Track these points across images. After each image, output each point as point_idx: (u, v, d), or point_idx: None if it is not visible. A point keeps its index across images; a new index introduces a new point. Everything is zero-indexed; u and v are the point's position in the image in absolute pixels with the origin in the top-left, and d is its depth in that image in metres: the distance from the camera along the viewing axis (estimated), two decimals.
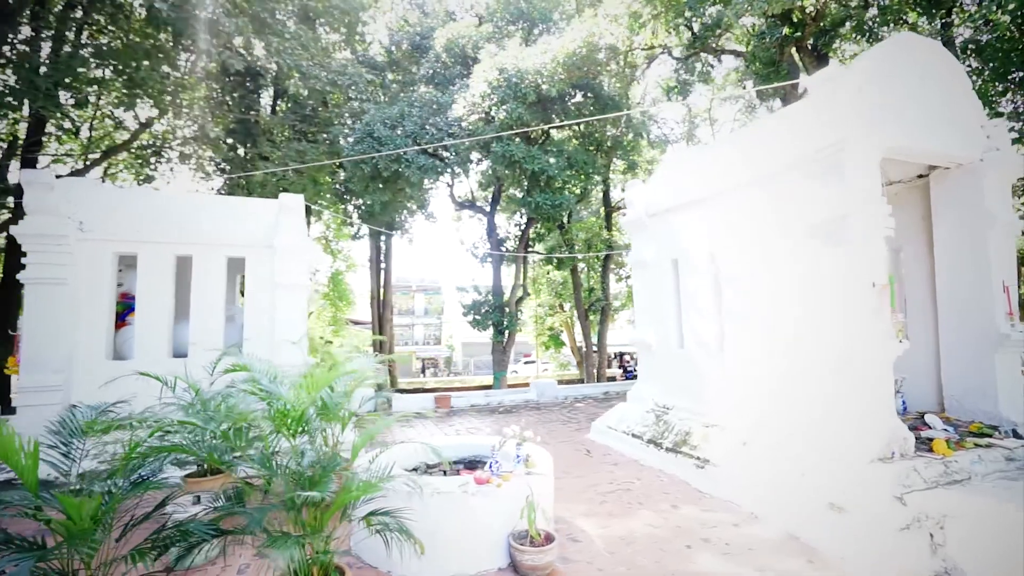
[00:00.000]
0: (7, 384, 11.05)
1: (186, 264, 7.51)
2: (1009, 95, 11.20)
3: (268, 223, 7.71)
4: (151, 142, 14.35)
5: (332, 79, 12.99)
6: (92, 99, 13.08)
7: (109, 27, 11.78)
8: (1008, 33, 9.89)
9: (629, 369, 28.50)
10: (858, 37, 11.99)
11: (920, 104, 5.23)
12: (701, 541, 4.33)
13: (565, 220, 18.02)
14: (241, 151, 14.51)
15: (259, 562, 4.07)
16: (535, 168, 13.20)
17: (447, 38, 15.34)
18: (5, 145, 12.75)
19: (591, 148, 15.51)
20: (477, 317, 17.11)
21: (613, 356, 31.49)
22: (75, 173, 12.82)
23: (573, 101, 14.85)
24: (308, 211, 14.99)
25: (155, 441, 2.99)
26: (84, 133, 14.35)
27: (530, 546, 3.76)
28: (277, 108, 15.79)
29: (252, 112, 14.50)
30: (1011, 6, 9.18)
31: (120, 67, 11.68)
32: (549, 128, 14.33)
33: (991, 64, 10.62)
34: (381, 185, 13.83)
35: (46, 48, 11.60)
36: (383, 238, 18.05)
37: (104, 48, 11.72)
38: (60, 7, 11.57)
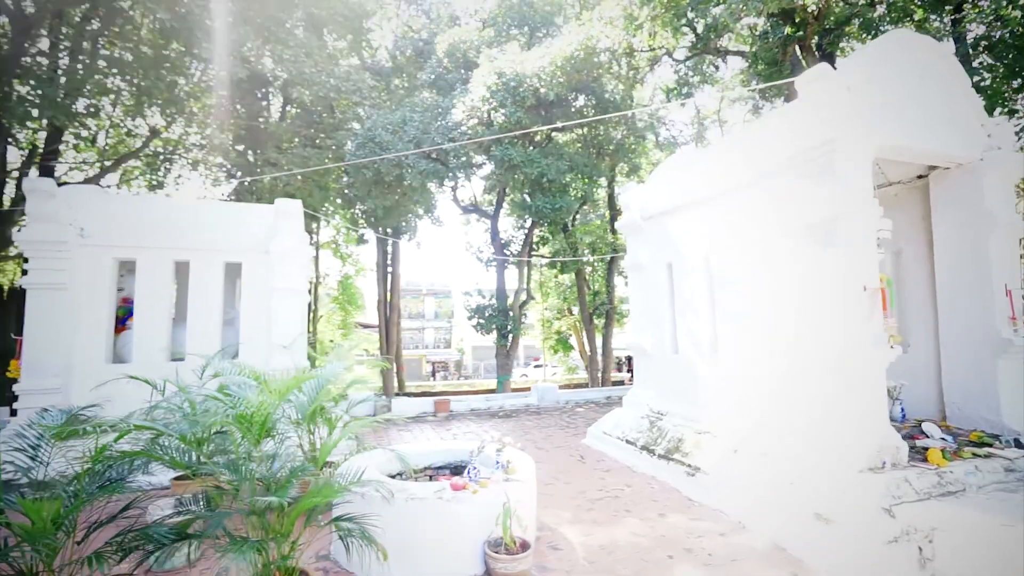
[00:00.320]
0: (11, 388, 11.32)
1: (185, 269, 7.64)
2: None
3: (266, 228, 7.81)
4: (163, 149, 14.68)
5: (337, 86, 13.14)
6: (106, 109, 13.47)
7: (120, 39, 12.10)
8: (1020, 29, 9.58)
9: None
10: (864, 35, 11.74)
11: (917, 102, 5.08)
12: (684, 551, 4.23)
13: (568, 223, 17.94)
14: (251, 157, 14.76)
15: (240, 565, 4.10)
16: (535, 171, 13.18)
17: (449, 43, 15.43)
18: (25, 154, 13.17)
19: (593, 151, 15.43)
20: (481, 321, 17.11)
21: (623, 360, 31.17)
22: (89, 180, 13.17)
23: (575, 104, 14.80)
24: (316, 216, 15.19)
25: (125, 445, 3.04)
26: (100, 142, 14.76)
27: (504, 554, 3.71)
28: (286, 114, 16.03)
29: (260, 119, 14.75)
30: (1022, 1, 8.91)
31: (131, 77, 12.00)
32: (549, 131, 14.28)
33: (1004, 61, 10.30)
34: (384, 190, 13.93)
35: (63, 60, 11.99)
36: (390, 242, 18.19)
37: (117, 58, 12.04)
38: (78, 19, 11.92)
